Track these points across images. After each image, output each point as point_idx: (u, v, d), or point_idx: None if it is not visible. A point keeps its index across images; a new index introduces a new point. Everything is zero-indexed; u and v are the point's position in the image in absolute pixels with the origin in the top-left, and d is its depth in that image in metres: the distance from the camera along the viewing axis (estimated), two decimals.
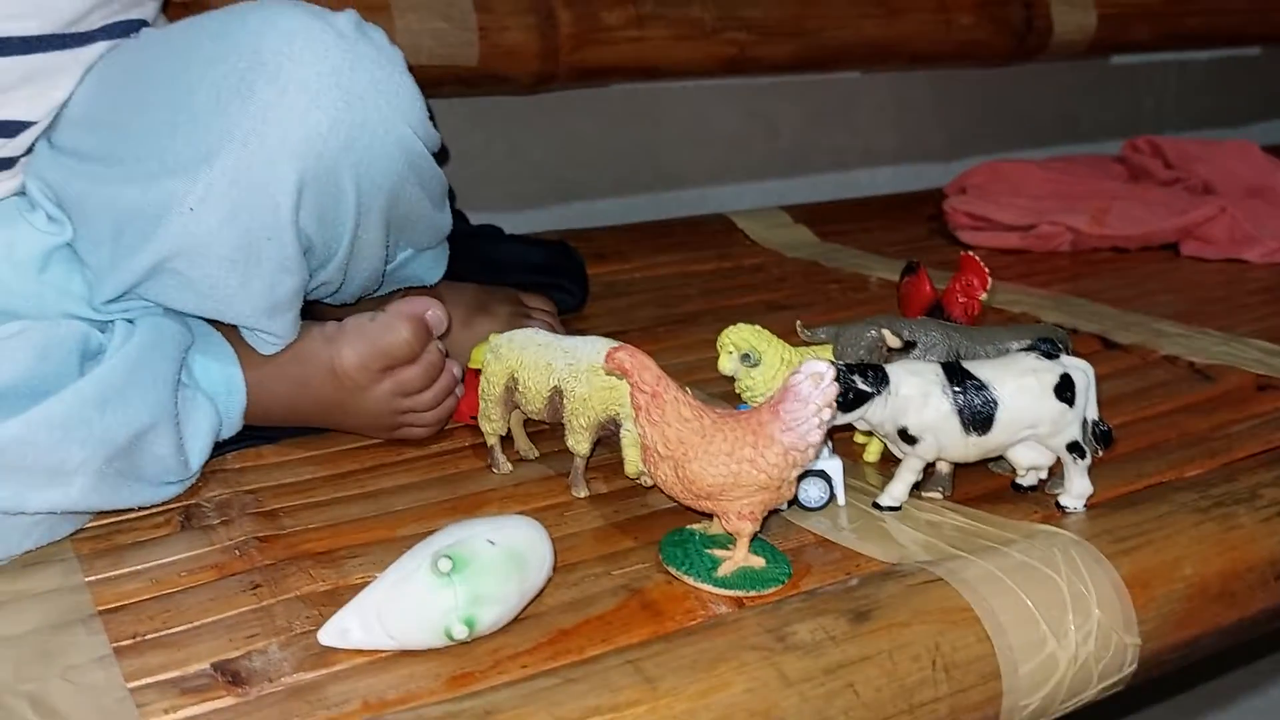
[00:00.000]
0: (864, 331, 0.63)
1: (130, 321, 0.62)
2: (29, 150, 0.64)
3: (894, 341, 0.62)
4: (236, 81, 0.57)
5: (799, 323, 0.65)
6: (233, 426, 0.66)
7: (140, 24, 0.67)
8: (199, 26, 0.60)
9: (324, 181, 0.59)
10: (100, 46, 0.64)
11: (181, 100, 0.57)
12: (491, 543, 0.48)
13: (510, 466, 0.67)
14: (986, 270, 0.71)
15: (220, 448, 0.66)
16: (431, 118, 0.65)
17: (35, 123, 0.62)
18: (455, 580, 0.46)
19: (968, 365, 0.58)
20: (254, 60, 0.57)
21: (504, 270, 0.97)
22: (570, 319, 0.93)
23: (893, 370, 0.57)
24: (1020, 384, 0.57)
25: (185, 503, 0.62)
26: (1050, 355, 0.58)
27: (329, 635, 0.48)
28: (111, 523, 0.60)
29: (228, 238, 0.58)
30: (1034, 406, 0.57)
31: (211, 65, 0.57)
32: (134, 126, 0.59)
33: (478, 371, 0.73)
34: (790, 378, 0.51)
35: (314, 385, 0.66)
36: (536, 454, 0.69)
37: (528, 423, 0.69)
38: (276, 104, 0.57)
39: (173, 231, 0.57)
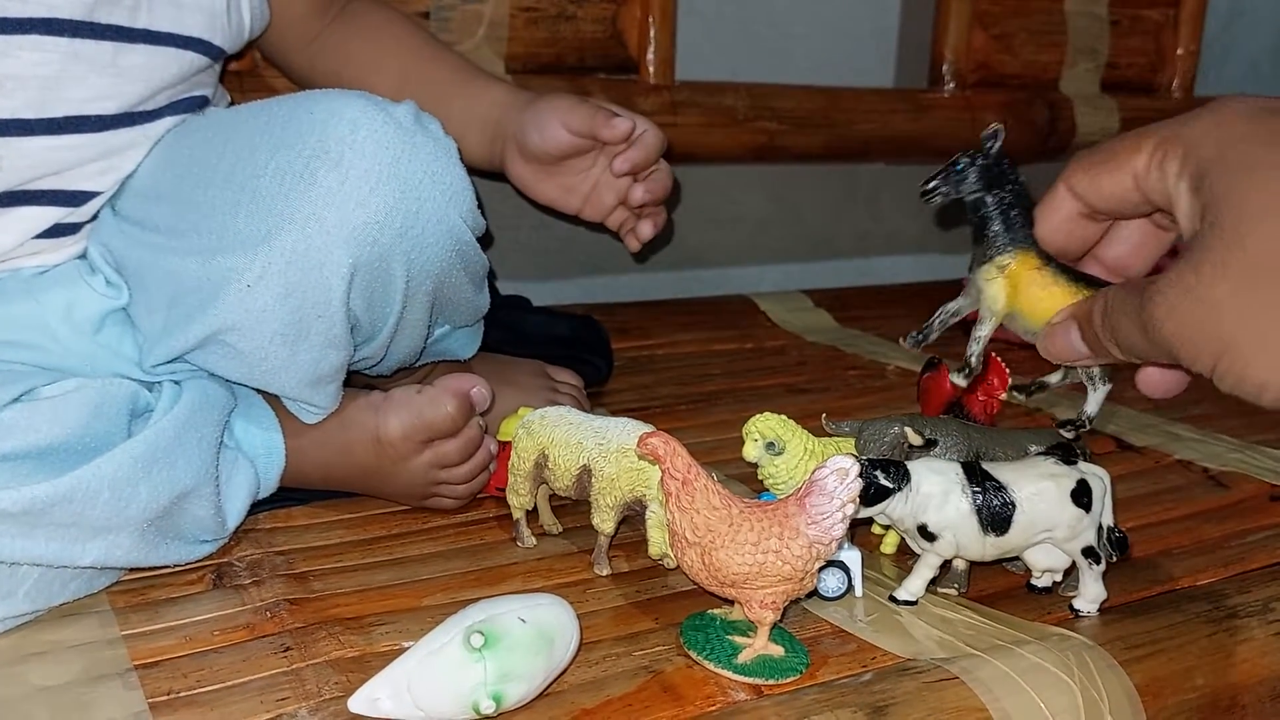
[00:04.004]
0: (887, 428, 0.64)
1: (177, 383, 0.64)
2: (93, 217, 0.66)
3: (915, 439, 0.63)
4: (301, 167, 0.59)
5: (824, 416, 0.67)
6: (269, 489, 0.68)
7: (203, 100, 0.70)
8: (267, 112, 0.63)
9: (376, 266, 0.62)
10: (167, 122, 0.67)
11: (246, 181, 0.60)
12: (523, 620, 0.49)
13: (534, 540, 0.68)
14: (1008, 371, 0.73)
15: (253, 507, 0.68)
16: (480, 204, 0.67)
17: (102, 193, 0.65)
18: (486, 656, 0.48)
19: (987, 466, 0.59)
20: (319, 148, 0.59)
21: (530, 341, 0.99)
22: (593, 393, 0.95)
23: (914, 467, 0.59)
24: (1038, 488, 0.58)
25: (217, 561, 0.64)
26: (1068, 460, 0.60)
27: (359, 703, 0.49)
28: (146, 577, 0.62)
29: (280, 314, 0.60)
30: (1051, 511, 0.58)
31: (277, 150, 0.60)
32: (198, 202, 0.62)
33: (505, 443, 0.75)
34: (816, 472, 0.53)
35: (355, 452, 0.68)
36: (560, 529, 0.70)
37: (552, 497, 0.70)
38: (337, 191, 0.59)
39: (228, 306, 0.60)
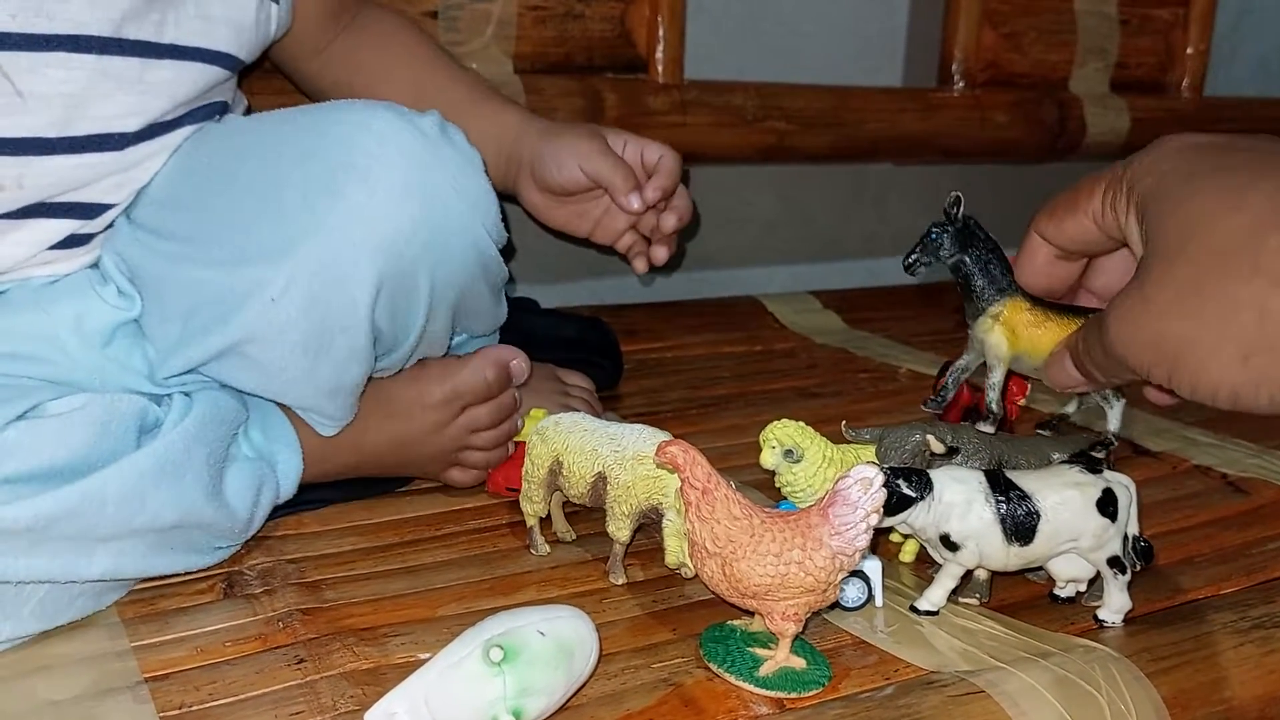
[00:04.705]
0: (908, 435, 0.63)
1: (187, 395, 0.63)
2: (108, 227, 0.65)
3: (938, 447, 0.62)
4: (328, 180, 0.58)
5: (844, 423, 0.66)
6: (289, 493, 0.67)
7: (222, 105, 0.69)
8: (291, 121, 0.62)
9: (401, 279, 0.61)
10: (185, 130, 0.66)
11: (270, 192, 0.59)
12: (542, 634, 0.48)
13: (548, 548, 0.68)
14: (1026, 380, 0.72)
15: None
16: (503, 216, 0.66)
17: (117, 204, 0.64)
18: (505, 670, 0.47)
19: (1011, 475, 0.58)
20: (345, 160, 0.59)
21: (538, 344, 0.98)
22: (602, 396, 0.94)
23: (937, 476, 0.58)
24: (1063, 497, 0.57)
25: (228, 569, 0.63)
26: (1093, 469, 0.59)
27: (376, 717, 0.48)
28: (155, 587, 0.61)
29: (303, 327, 0.59)
30: (1076, 520, 0.57)
31: (302, 162, 0.59)
32: (220, 211, 0.61)
33: (519, 444, 0.74)
34: (839, 482, 0.52)
35: (393, 419, 0.70)
36: (574, 536, 0.69)
37: (565, 504, 0.70)
38: (365, 205, 0.58)
39: (250, 318, 0.59)
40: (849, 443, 0.66)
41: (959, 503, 0.57)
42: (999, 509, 0.57)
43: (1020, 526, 0.57)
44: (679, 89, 1.16)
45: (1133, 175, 0.47)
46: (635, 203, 0.78)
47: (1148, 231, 0.45)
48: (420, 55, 0.82)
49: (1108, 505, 0.58)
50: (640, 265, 0.85)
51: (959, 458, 0.63)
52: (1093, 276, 0.55)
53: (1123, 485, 0.59)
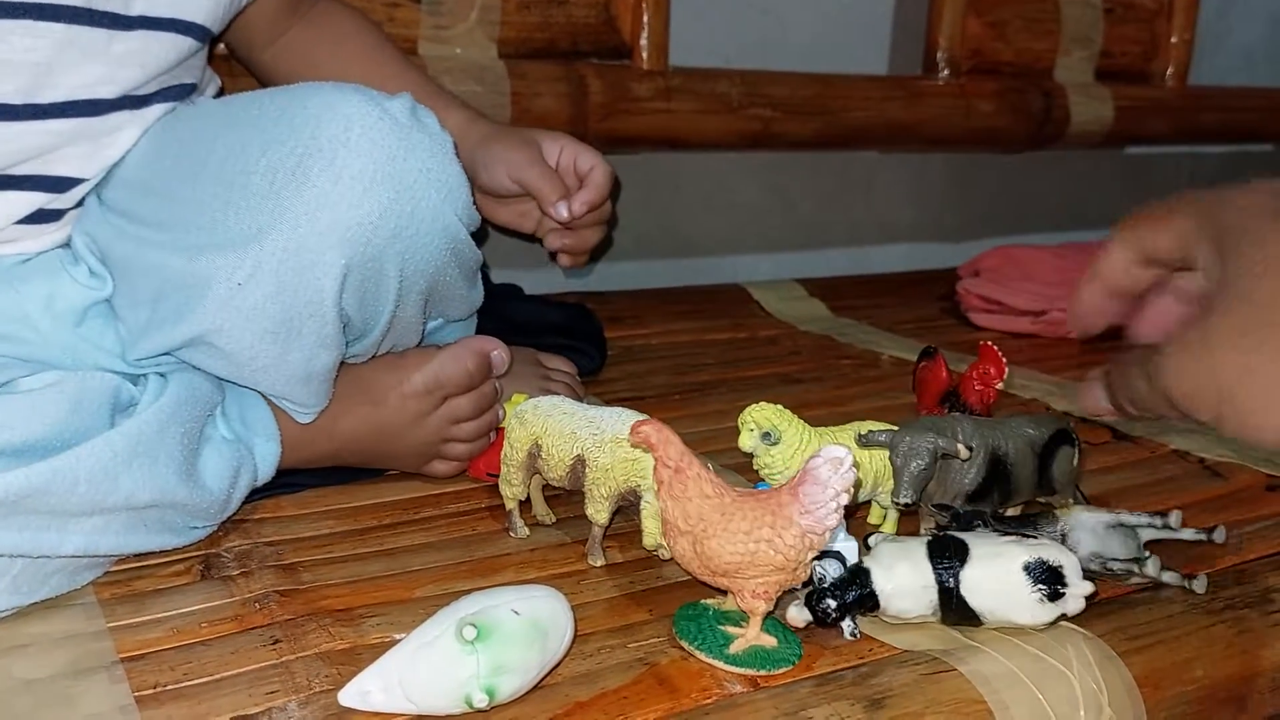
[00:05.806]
0: (921, 439, 0.60)
1: (162, 375, 0.63)
2: (78, 204, 0.65)
3: (964, 454, 0.61)
4: (294, 166, 0.58)
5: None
6: (267, 475, 0.67)
7: (191, 86, 0.69)
8: (259, 105, 0.62)
9: (369, 267, 0.61)
10: (158, 109, 0.66)
11: (237, 178, 0.59)
12: (516, 613, 0.48)
13: (527, 531, 0.68)
14: (1004, 360, 0.72)
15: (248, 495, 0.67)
16: (474, 199, 0.66)
17: (87, 179, 0.64)
18: (479, 648, 0.47)
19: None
20: (311, 146, 0.58)
21: (522, 330, 0.98)
22: (586, 382, 0.94)
23: (881, 592, 0.56)
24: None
25: (205, 551, 0.63)
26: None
27: (349, 697, 0.48)
28: (132, 568, 0.61)
29: (271, 313, 0.59)
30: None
31: (269, 147, 0.59)
32: (187, 196, 0.60)
33: (498, 429, 0.74)
34: (809, 462, 0.52)
35: (375, 407, 0.69)
36: (554, 519, 0.70)
37: (545, 487, 0.70)
38: (330, 191, 0.58)
39: (215, 305, 0.58)
40: (827, 426, 0.66)
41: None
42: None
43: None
44: (663, 75, 1.16)
45: (1220, 209, 0.47)
46: (562, 212, 0.79)
47: (1221, 265, 0.45)
48: (375, 57, 0.83)
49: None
50: (564, 261, 0.86)
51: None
52: (1140, 320, 0.54)
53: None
